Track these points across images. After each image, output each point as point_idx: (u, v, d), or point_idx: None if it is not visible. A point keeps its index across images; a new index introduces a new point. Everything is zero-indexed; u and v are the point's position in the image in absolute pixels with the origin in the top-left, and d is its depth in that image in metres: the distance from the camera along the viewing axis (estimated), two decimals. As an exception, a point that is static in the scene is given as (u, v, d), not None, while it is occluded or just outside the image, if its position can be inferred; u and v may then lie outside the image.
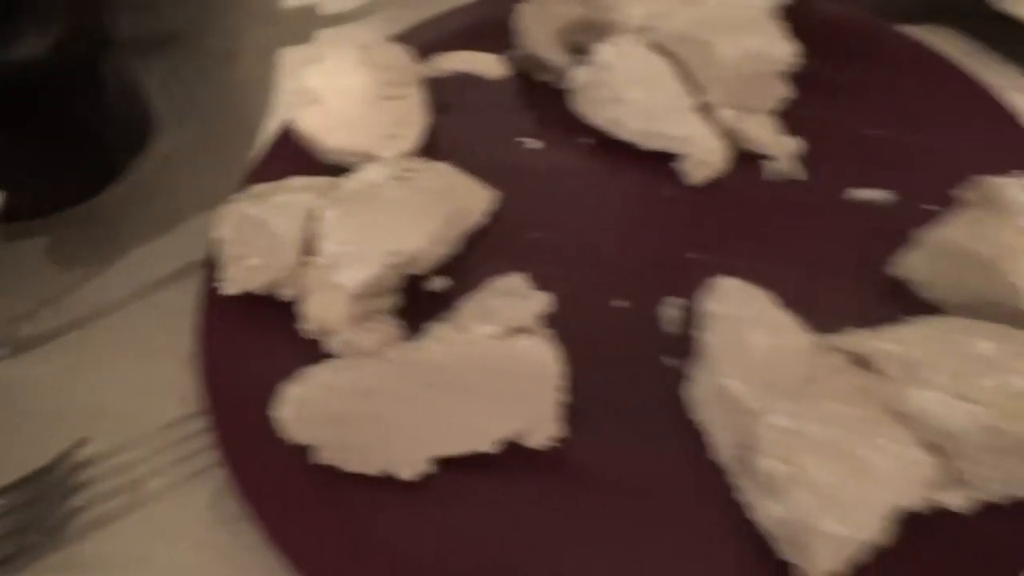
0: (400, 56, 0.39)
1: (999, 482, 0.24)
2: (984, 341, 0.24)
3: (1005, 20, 0.41)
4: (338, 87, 0.37)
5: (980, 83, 0.37)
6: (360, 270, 0.31)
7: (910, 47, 0.39)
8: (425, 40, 0.42)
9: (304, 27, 0.49)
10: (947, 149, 0.36)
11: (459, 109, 0.41)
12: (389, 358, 0.28)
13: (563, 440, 0.29)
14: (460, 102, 0.41)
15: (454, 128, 0.40)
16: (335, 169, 0.36)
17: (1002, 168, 0.33)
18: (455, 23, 0.44)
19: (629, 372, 0.32)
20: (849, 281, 0.33)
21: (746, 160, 0.37)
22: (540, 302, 0.30)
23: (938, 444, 0.24)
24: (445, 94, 0.41)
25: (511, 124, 0.40)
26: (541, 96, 0.41)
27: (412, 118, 0.37)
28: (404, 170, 0.35)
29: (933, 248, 0.30)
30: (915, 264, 0.31)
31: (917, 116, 0.37)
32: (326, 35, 0.48)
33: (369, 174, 0.34)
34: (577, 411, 0.30)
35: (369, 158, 0.36)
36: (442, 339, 0.28)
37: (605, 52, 0.37)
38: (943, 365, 0.24)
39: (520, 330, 0.28)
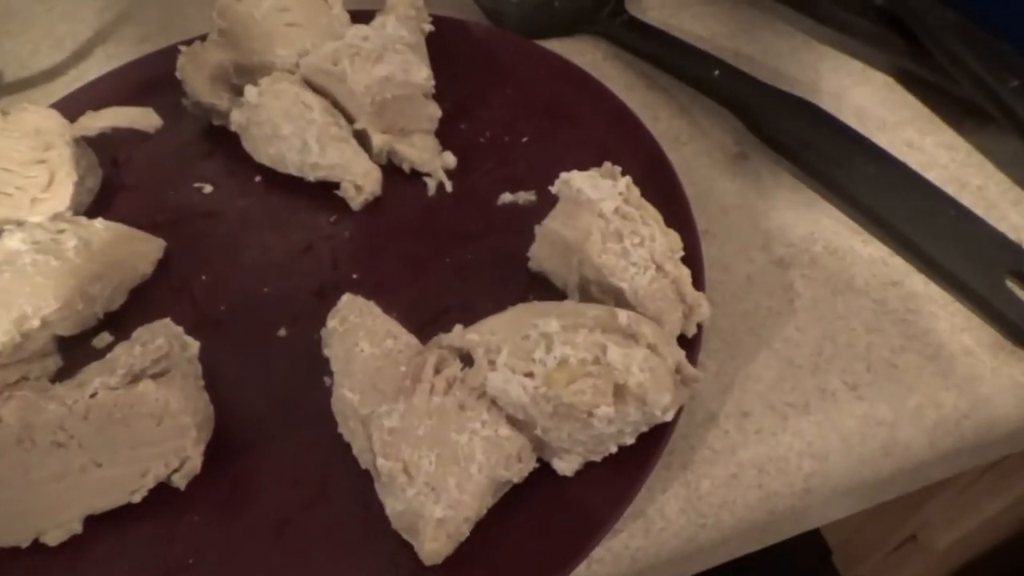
0: (49, 119, 0.38)
1: (574, 444, 0.27)
2: (552, 320, 0.27)
3: (640, 24, 0.46)
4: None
5: (605, 86, 0.41)
6: (-13, 342, 0.30)
7: (546, 59, 0.43)
8: (96, 99, 0.42)
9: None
10: (578, 148, 0.39)
11: (134, 163, 0.41)
12: (8, 423, 0.27)
13: (218, 471, 0.30)
14: (136, 156, 0.41)
15: (128, 182, 0.41)
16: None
17: (622, 159, 0.38)
18: (130, 77, 0.44)
19: (290, 395, 0.33)
20: (499, 281, 0.36)
21: (407, 179, 0.40)
22: (160, 344, 0.30)
23: (520, 419, 0.27)
24: (119, 150, 0.42)
25: (188, 171, 0.41)
26: (218, 140, 0.42)
27: (62, 179, 0.37)
28: (52, 232, 0.35)
29: (544, 239, 0.33)
30: (538, 256, 0.34)
31: (552, 121, 0.41)
32: (6, 104, 0.47)
33: (6, 241, 0.34)
34: (236, 440, 0.31)
35: (18, 223, 0.35)
36: (63, 397, 0.28)
37: (251, 93, 0.38)
38: (511, 346, 0.27)
39: (139, 376, 0.28)
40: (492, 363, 0.27)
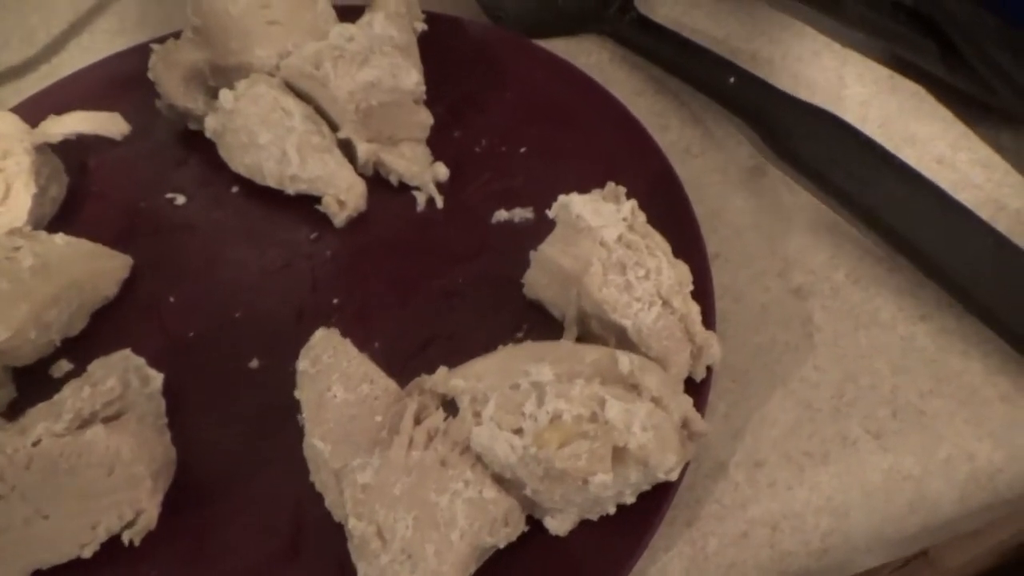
0: (7, 124, 0.35)
1: (567, 504, 0.24)
2: (545, 367, 0.24)
3: (648, 23, 0.42)
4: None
5: (610, 93, 0.38)
6: (-72, 376, 0.28)
7: (547, 61, 0.39)
8: (64, 100, 0.39)
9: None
10: (580, 160, 0.36)
11: (104, 169, 0.38)
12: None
13: (180, 520, 0.27)
14: (106, 162, 0.39)
15: (95, 190, 0.38)
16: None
17: (627, 174, 0.35)
18: (101, 76, 0.41)
19: (261, 434, 0.30)
20: (491, 308, 0.33)
21: (395, 193, 0.37)
22: (110, 384, 0.27)
23: (507, 478, 0.24)
24: (88, 154, 0.39)
25: (161, 179, 0.38)
26: (193, 146, 0.39)
27: (19, 191, 0.34)
28: (7, 250, 0.32)
29: (540, 266, 0.30)
30: (534, 283, 0.31)
31: (553, 129, 0.38)
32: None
33: (-43, 261, 0.31)
34: (200, 484, 0.29)
35: (-27, 241, 0.33)
36: (2, 446, 0.25)
37: (226, 98, 0.35)
38: (499, 396, 0.24)
39: (89, 420, 0.26)
40: (478, 415, 0.24)
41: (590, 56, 0.43)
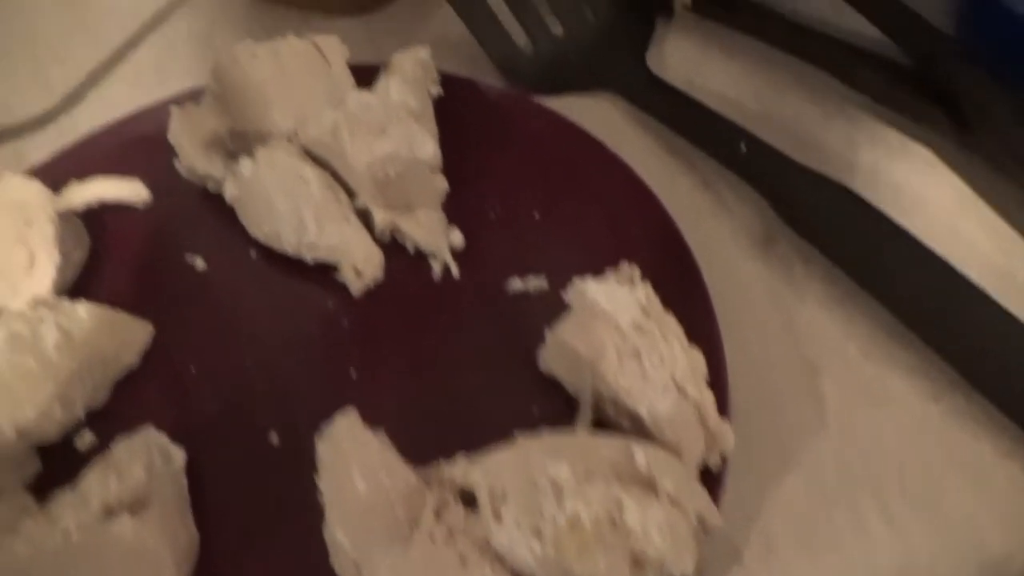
0: (31, 191, 0.36)
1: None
2: (563, 465, 0.25)
3: (659, 83, 0.43)
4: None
5: (620, 158, 0.38)
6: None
7: (558, 124, 0.40)
8: (83, 161, 0.40)
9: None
10: (591, 227, 0.37)
11: (124, 230, 0.39)
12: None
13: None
14: (126, 222, 0.39)
15: (116, 252, 0.38)
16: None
17: (634, 242, 0.35)
18: (121, 135, 0.42)
19: (282, 513, 0.30)
20: (507, 382, 0.33)
21: (411, 260, 0.37)
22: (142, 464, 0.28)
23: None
24: (108, 215, 0.39)
25: (180, 241, 0.39)
26: (213, 207, 0.39)
27: (43, 261, 0.34)
28: (31, 323, 0.33)
29: (555, 347, 0.31)
30: (549, 361, 0.31)
31: (565, 195, 0.38)
32: (-7, 154, 0.45)
33: (-17, 336, 0.31)
34: (221, 568, 0.29)
35: (-2, 310, 0.33)
36: (30, 535, 0.25)
37: (245, 166, 0.36)
38: (518, 495, 0.24)
39: (116, 510, 0.26)
40: (497, 512, 0.24)
41: (602, 115, 0.43)
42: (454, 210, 0.38)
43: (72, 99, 0.47)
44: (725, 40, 0.46)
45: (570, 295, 0.29)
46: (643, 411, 0.27)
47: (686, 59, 0.46)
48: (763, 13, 0.46)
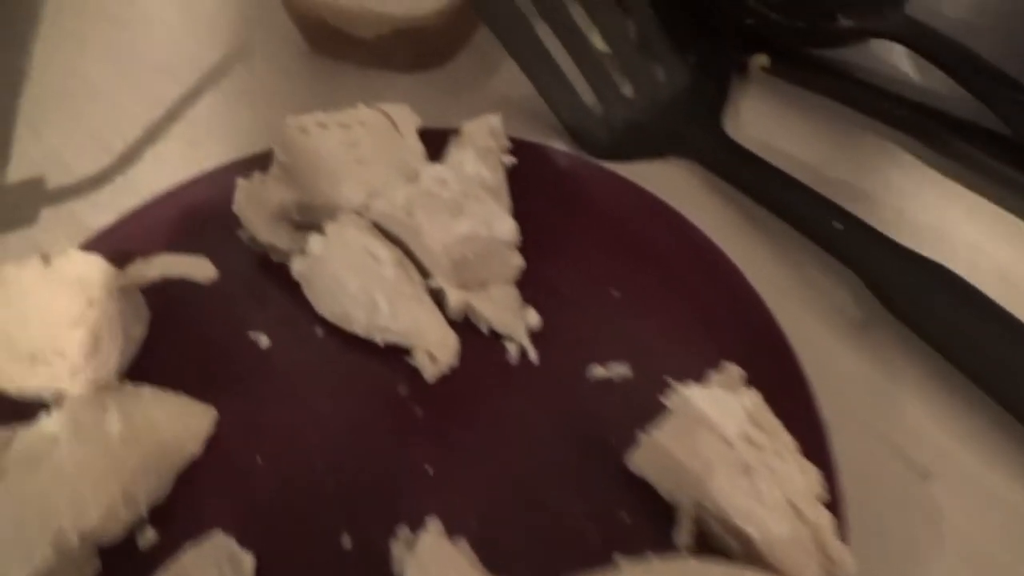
0: (94, 268, 0.34)
1: None
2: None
3: (739, 150, 0.41)
4: (13, 312, 0.33)
5: (700, 231, 0.36)
6: (19, 566, 0.27)
7: (636, 196, 0.38)
8: (141, 232, 0.39)
9: (28, 206, 0.45)
10: (675, 309, 0.35)
11: (185, 302, 0.37)
12: None
13: None
14: (187, 294, 0.37)
15: (177, 327, 0.37)
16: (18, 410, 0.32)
17: (723, 327, 0.33)
18: (181, 202, 0.40)
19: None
20: (591, 481, 0.31)
21: (486, 341, 0.35)
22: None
23: None
24: (169, 285, 0.38)
25: (243, 316, 0.37)
26: (277, 280, 0.38)
27: (106, 342, 0.33)
28: (94, 410, 0.31)
29: (650, 452, 0.28)
30: (641, 463, 0.29)
31: (645, 272, 0.36)
32: (49, 216, 0.44)
33: (45, 426, 0.30)
34: None
35: (56, 395, 0.32)
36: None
37: (315, 244, 0.34)
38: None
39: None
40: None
41: (679, 183, 0.42)
42: (528, 286, 0.36)
43: (128, 157, 0.46)
44: (804, 102, 0.44)
45: (671, 400, 0.27)
46: (755, 533, 0.25)
47: (764, 123, 0.44)
48: (844, 74, 0.44)
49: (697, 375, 0.30)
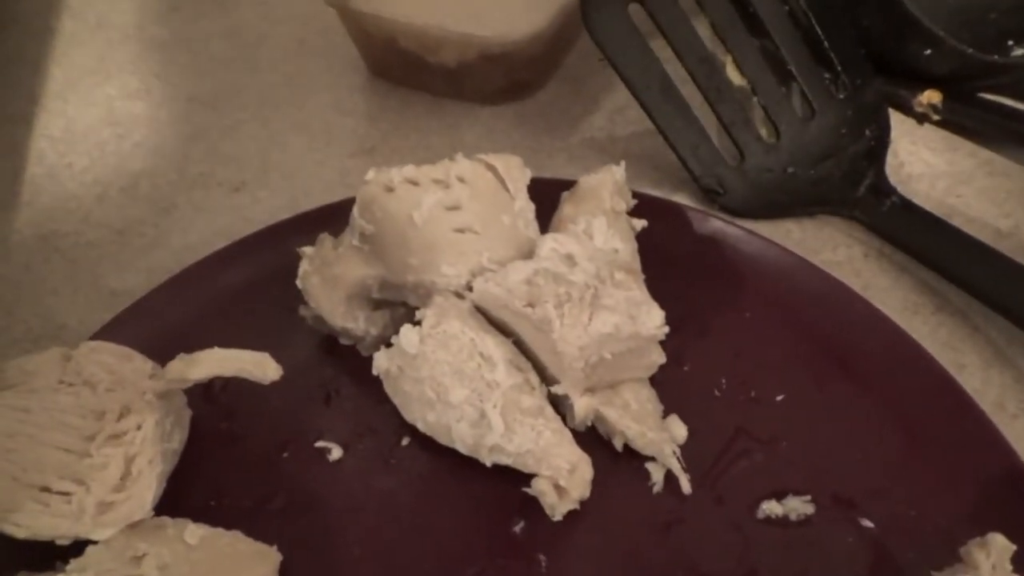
0: (127, 364, 0.27)
1: None
2: None
3: (913, 208, 0.33)
4: (21, 424, 0.25)
5: (883, 314, 0.29)
6: None
7: (788, 265, 0.31)
8: (182, 307, 0.32)
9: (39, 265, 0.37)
10: (867, 418, 0.27)
11: (234, 400, 0.30)
12: None
13: None
14: (236, 388, 0.30)
15: (225, 433, 0.29)
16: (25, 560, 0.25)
17: (946, 450, 0.26)
18: (226, 271, 0.33)
19: None
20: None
21: (619, 461, 0.28)
22: None
23: None
24: (210, 385, 0.30)
25: (308, 420, 0.29)
26: (347, 369, 0.30)
27: (142, 469, 0.25)
28: (126, 562, 0.24)
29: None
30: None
31: (818, 367, 0.29)
32: (62, 277, 0.36)
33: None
34: None
35: (78, 542, 0.24)
36: None
37: (409, 339, 0.26)
38: None
39: None
40: None
41: (835, 247, 0.34)
42: (666, 384, 0.29)
43: (160, 205, 0.39)
44: (981, 155, 0.36)
45: (977, 552, 0.20)
46: None
47: (934, 173, 0.36)
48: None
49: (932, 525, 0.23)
